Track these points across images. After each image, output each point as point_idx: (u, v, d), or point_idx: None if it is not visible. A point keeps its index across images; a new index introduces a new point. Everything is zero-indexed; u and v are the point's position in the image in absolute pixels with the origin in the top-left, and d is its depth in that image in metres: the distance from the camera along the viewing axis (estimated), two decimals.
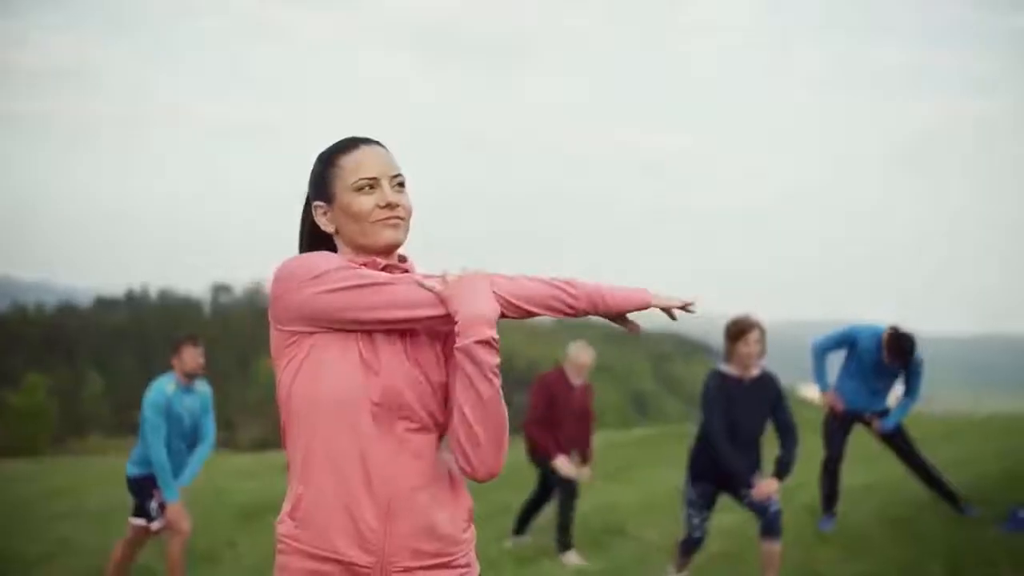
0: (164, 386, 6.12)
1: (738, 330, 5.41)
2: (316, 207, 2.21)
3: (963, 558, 5.95)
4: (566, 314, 2.16)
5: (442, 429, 2.15)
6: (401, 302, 2.07)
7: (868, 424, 6.98)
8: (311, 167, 2.24)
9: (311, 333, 2.08)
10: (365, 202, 2.14)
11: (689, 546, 5.76)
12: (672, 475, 11.42)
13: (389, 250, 2.17)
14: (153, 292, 78.56)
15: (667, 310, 2.19)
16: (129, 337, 67.88)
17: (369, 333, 2.09)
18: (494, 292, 2.09)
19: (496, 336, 2.05)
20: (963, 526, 6.49)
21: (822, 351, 7.03)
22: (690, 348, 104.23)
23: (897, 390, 6.99)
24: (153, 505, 6.15)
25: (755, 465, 5.47)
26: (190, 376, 6.18)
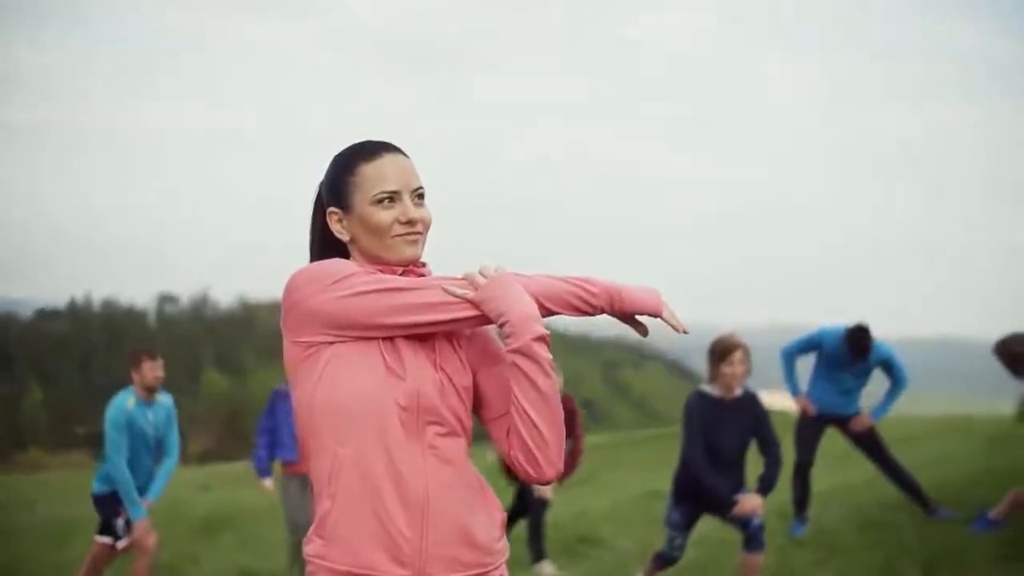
0: (124, 402, 5.97)
1: (722, 350, 5.33)
2: (331, 213, 2.12)
3: (937, 559, 5.98)
4: (584, 312, 2.10)
5: (469, 434, 2.09)
6: (429, 305, 2.00)
7: (842, 426, 7.01)
8: (327, 168, 2.15)
9: (331, 343, 2.00)
10: (385, 216, 2.05)
11: (665, 562, 5.72)
12: (635, 481, 11.46)
13: (406, 265, 2.10)
14: (96, 302, 77.17)
15: (669, 323, 2.15)
16: (71, 348, 66.67)
17: (391, 340, 2.01)
18: None
19: (547, 332, 2.00)
20: (936, 528, 6.53)
21: (790, 356, 7.05)
22: (640, 355, 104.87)
23: (873, 394, 7.04)
24: (119, 523, 6.00)
25: (739, 486, 5.39)
26: (150, 390, 6.03)
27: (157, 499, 6.12)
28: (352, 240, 2.11)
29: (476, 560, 2.03)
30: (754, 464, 5.44)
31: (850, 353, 6.78)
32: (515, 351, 1.98)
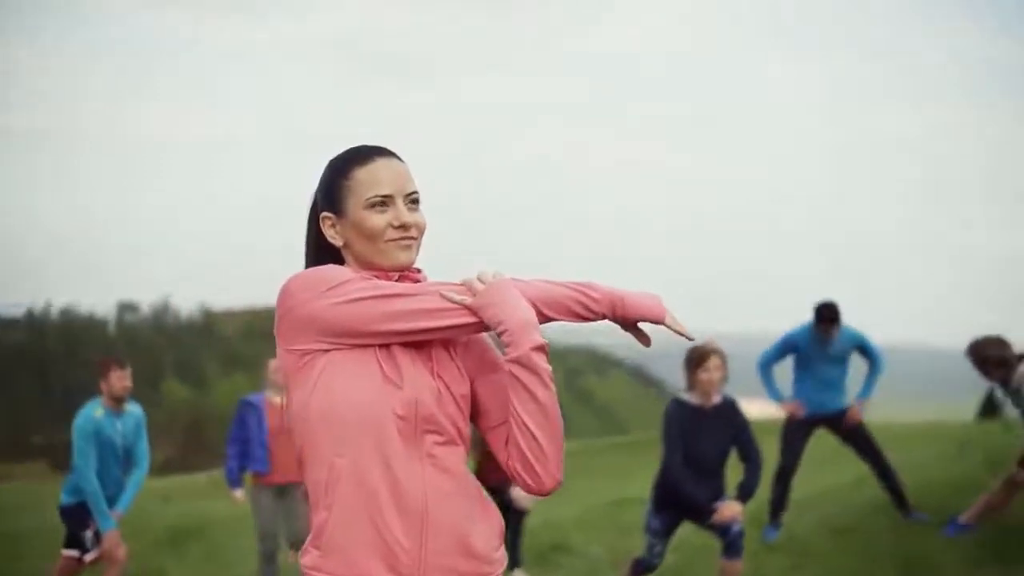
0: (92, 412, 5.88)
1: (698, 357, 5.31)
2: (324, 218, 2.09)
3: (910, 564, 6.02)
4: (584, 318, 2.07)
5: (467, 443, 2.06)
6: (426, 311, 1.96)
7: (832, 425, 7.04)
8: (321, 173, 2.12)
9: (326, 350, 1.95)
10: (378, 221, 2.02)
11: (644, 569, 5.70)
12: (602, 489, 11.46)
13: (400, 271, 2.07)
14: (55, 311, 76.15)
15: (672, 329, 2.12)
16: (28, 357, 65.77)
17: (388, 347, 1.97)
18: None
19: (546, 341, 1.96)
20: (908, 533, 6.58)
21: (766, 366, 7.09)
22: (602, 362, 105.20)
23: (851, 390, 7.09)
24: (88, 535, 5.90)
25: (718, 494, 5.38)
26: (118, 399, 5.94)
27: (127, 510, 6.02)
28: (346, 245, 2.07)
29: (474, 570, 2.00)
30: (734, 471, 5.45)
31: (820, 330, 6.83)
32: (513, 361, 1.95)
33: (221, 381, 70.98)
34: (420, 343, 2.00)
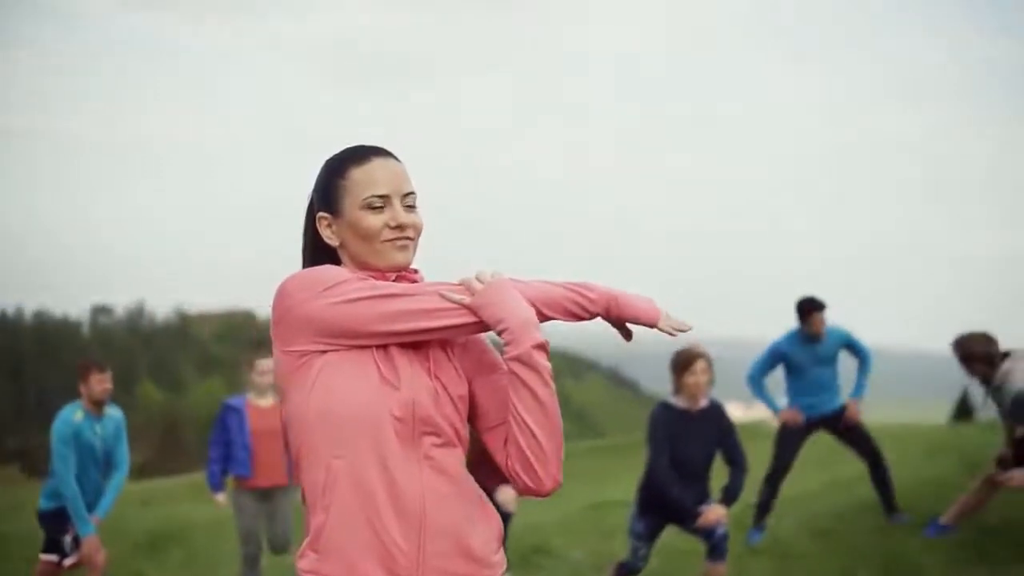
0: (71, 415, 5.82)
1: (684, 361, 5.31)
2: (320, 218, 2.07)
3: (892, 566, 6.05)
4: (580, 318, 2.07)
5: (465, 444, 2.04)
6: (425, 311, 1.95)
7: (829, 425, 7.06)
8: (317, 173, 2.10)
9: (323, 352, 1.93)
10: (374, 221, 2.00)
11: (628, 572, 5.70)
12: (581, 493, 11.45)
13: (397, 271, 2.05)
14: (28, 313, 75.45)
15: (664, 331, 2.11)
16: (1, 360, 65.10)
17: (385, 348, 1.96)
18: None
19: (547, 340, 1.96)
20: (891, 534, 6.61)
21: (757, 378, 7.10)
22: (578, 365, 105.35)
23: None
24: (67, 540, 5.83)
25: (703, 497, 5.38)
26: (98, 403, 5.89)
27: (106, 515, 5.96)
28: (342, 245, 2.06)
29: (473, 572, 1.98)
30: (717, 474, 5.45)
31: (809, 328, 6.86)
32: (514, 359, 1.93)
33: (197, 384, 70.57)
34: (418, 344, 1.99)
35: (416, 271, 2.09)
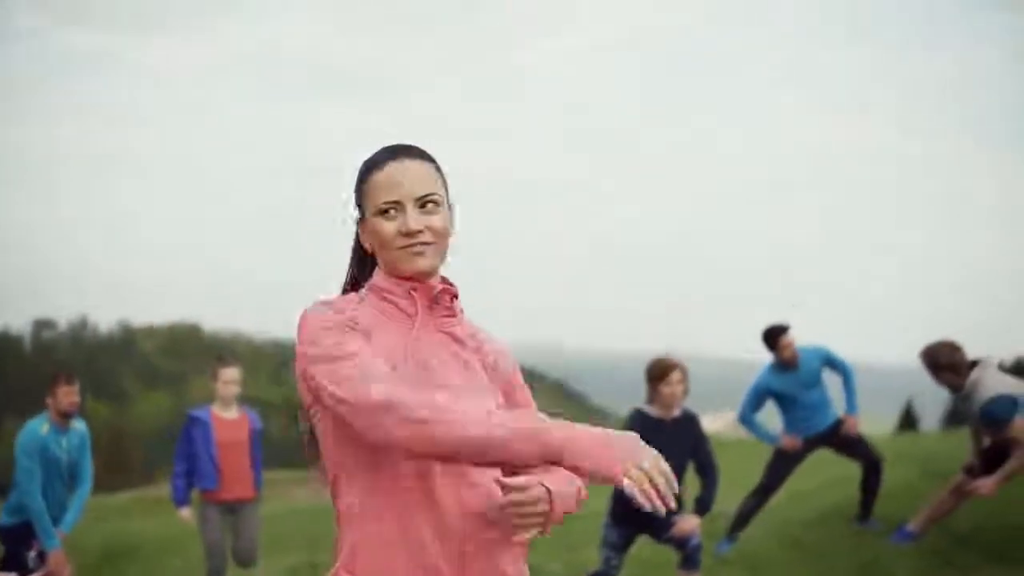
0: (37, 428, 5.69)
1: (659, 371, 5.35)
2: (358, 222, 2.05)
3: (863, 573, 6.09)
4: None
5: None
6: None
7: (829, 441, 7.09)
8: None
9: None
10: (388, 227, 1.94)
11: None
12: None
13: (419, 278, 1.98)
14: None
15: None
16: None
17: (422, 364, 1.92)
18: None
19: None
20: (861, 542, 6.66)
21: (749, 417, 7.10)
22: (526, 378, 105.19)
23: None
24: (31, 555, 5.69)
25: (677, 507, 5.40)
26: (65, 415, 5.76)
27: (71, 529, 5.83)
28: (374, 250, 2.01)
29: None
30: (690, 484, 5.47)
31: (781, 356, 6.88)
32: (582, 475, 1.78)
33: (142, 398, 69.50)
34: (452, 362, 1.96)
35: (451, 285, 2.03)
